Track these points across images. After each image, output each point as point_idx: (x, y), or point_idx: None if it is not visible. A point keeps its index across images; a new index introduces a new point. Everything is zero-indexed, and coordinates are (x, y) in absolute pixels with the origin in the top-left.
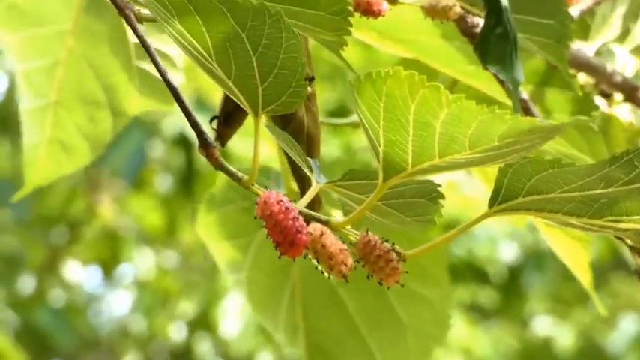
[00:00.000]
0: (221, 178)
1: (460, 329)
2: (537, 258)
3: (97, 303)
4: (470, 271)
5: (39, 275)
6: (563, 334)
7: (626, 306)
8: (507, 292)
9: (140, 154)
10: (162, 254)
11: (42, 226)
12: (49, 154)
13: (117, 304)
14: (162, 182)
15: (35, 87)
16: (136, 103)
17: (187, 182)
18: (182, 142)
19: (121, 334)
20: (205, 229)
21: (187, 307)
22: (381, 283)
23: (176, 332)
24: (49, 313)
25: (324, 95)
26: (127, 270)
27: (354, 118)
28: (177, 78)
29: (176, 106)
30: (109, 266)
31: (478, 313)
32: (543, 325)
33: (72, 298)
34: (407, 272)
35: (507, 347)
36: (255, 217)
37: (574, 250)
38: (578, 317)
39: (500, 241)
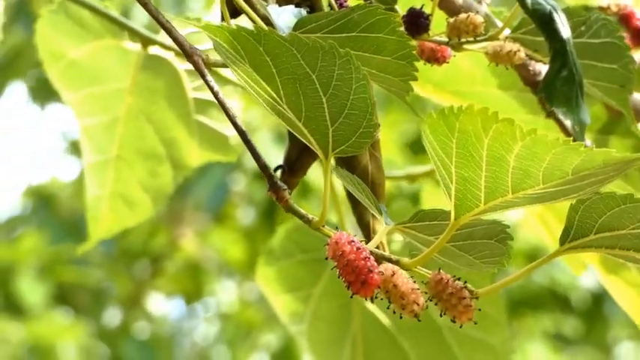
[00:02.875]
0: (280, 231)
1: (544, 358)
2: None
3: (181, 335)
4: (552, 299)
5: (124, 308)
6: None
7: None
8: (590, 319)
9: (223, 187)
10: (245, 286)
11: (126, 260)
12: (111, 208)
13: (200, 336)
14: (245, 215)
15: (96, 143)
16: (197, 155)
17: (269, 215)
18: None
19: None
20: (265, 283)
21: (270, 339)
22: (454, 321)
23: None
24: (135, 344)
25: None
26: (209, 302)
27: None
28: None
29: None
30: (191, 298)
31: (561, 341)
32: (627, 351)
33: (156, 330)
34: (480, 310)
35: None
36: (327, 258)
37: (630, 296)
38: None
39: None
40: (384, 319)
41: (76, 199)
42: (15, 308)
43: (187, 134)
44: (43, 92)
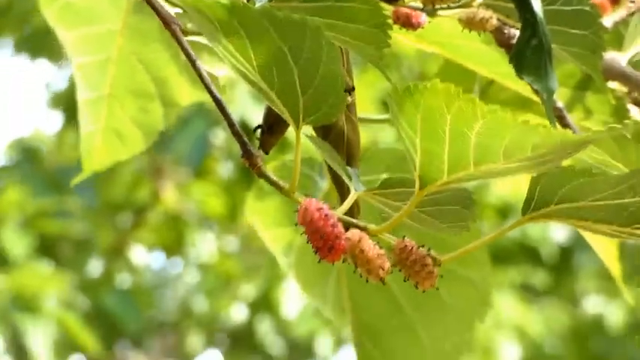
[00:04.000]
0: (269, 167)
1: (513, 309)
2: None
3: (162, 286)
4: (522, 252)
5: (106, 259)
6: (613, 312)
7: None
8: (559, 271)
9: (203, 141)
10: (224, 239)
11: (108, 212)
12: (104, 142)
13: (180, 287)
14: (224, 169)
15: (89, 80)
16: (187, 94)
17: (248, 169)
18: (243, 129)
19: (184, 316)
20: (255, 216)
21: (249, 289)
22: (416, 287)
23: (238, 314)
24: (117, 295)
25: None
26: (190, 254)
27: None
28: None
29: (236, 97)
30: (172, 250)
31: (530, 292)
32: (594, 303)
33: (138, 281)
34: (442, 276)
35: (559, 325)
36: (296, 224)
37: (605, 245)
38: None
39: None
40: None
41: (59, 152)
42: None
43: (178, 74)
44: (30, 45)
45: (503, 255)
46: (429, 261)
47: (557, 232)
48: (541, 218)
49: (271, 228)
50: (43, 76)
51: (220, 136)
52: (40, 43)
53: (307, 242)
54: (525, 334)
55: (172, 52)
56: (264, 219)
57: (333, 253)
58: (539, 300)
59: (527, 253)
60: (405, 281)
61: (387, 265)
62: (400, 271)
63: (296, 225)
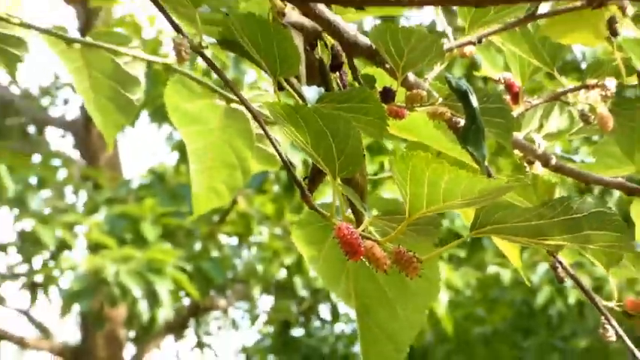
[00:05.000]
0: (305, 209)
1: (445, 272)
2: None
3: (236, 257)
4: (450, 235)
5: (203, 241)
6: (504, 274)
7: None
8: (473, 249)
9: (262, 175)
10: (273, 229)
11: (205, 214)
12: (206, 196)
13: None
14: (274, 188)
15: (198, 158)
16: (255, 166)
17: (289, 190)
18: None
19: (249, 275)
20: (297, 239)
21: (288, 259)
22: (406, 276)
23: (281, 274)
24: (210, 262)
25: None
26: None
27: (382, 174)
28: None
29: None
30: (243, 235)
31: (454, 261)
32: (494, 268)
33: (222, 254)
34: (423, 270)
35: (472, 280)
36: (333, 237)
37: (509, 248)
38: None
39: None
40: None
41: (176, 176)
42: (140, 241)
43: (250, 155)
44: (159, 117)
45: (440, 239)
46: (415, 260)
47: None
48: (481, 234)
49: (305, 245)
50: (168, 132)
51: (271, 171)
52: (165, 117)
53: (332, 253)
54: (451, 286)
55: (247, 142)
56: (302, 239)
57: (356, 255)
58: (460, 265)
59: (454, 236)
60: (399, 273)
61: (389, 262)
62: (396, 266)
63: (333, 238)
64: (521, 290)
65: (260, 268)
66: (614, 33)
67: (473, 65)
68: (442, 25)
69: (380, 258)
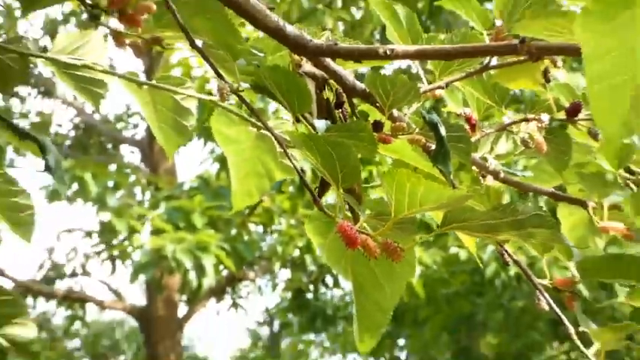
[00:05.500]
0: (315, 209)
1: (418, 253)
2: None
3: (262, 241)
4: (422, 224)
5: (237, 228)
6: (462, 253)
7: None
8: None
9: (282, 179)
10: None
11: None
12: (240, 197)
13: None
14: (290, 189)
15: (235, 166)
16: (279, 175)
17: (300, 190)
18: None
19: (272, 254)
20: (309, 230)
21: (300, 241)
22: (392, 260)
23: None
24: (242, 244)
25: None
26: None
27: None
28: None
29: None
30: (266, 224)
31: (425, 245)
32: (454, 250)
33: (251, 238)
34: (404, 257)
35: (437, 259)
36: (336, 232)
37: (468, 239)
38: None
39: None
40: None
41: (217, 180)
42: (190, 228)
43: (275, 166)
44: (205, 136)
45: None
46: (399, 249)
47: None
48: (448, 229)
49: (315, 235)
50: (211, 148)
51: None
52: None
53: (335, 242)
54: (422, 262)
55: (272, 158)
56: (312, 231)
57: (354, 245)
58: (429, 247)
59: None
60: (386, 259)
61: (378, 251)
62: (383, 253)
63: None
64: (475, 264)
65: (280, 249)
66: (547, 80)
67: (440, 99)
68: (416, 67)
69: (372, 247)
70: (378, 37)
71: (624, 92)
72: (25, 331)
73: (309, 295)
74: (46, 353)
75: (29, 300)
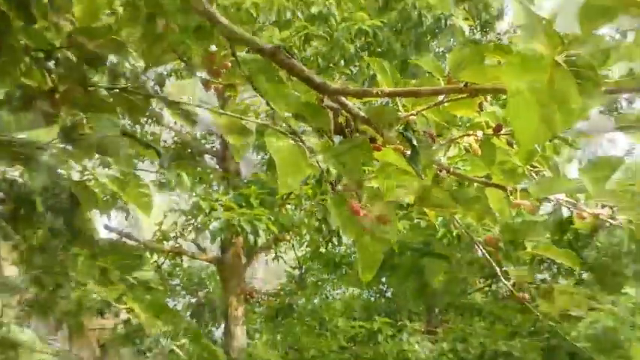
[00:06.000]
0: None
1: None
2: None
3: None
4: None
5: (279, 207)
6: (422, 223)
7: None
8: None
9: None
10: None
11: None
12: (284, 186)
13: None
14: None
15: (282, 168)
16: (307, 170)
17: (320, 181)
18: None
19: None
20: (330, 206)
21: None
22: (384, 225)
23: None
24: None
25: None
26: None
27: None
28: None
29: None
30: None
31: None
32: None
33: (288, 214)
34: (390, 223)
35: (406, 226)
36: (347, 207)
37: (431, 213)
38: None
39: None
40: None
41: (266, 177)
42: (249, 206)
43: (306, 166)
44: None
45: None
46: (388, 218)
47: None
48: (418, 207)
49: (334, 208)
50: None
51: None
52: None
53: (345, 213)
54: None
55: (305, 159)
56: (333, 206)
57: (358, 214)
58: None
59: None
60: (378, 225)
61: (374, 219)
62: (377, 221)
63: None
64: (431, 229)
65: (305, 220)
66: (481, 109)
67: (412, 122)
68: (398, 101)
69: (370, 217)
70: (367, 84)
71: (534, 115)
72: (147, 274)
73: (323, 249)
74: (158, 287)
75: (148, 254)
